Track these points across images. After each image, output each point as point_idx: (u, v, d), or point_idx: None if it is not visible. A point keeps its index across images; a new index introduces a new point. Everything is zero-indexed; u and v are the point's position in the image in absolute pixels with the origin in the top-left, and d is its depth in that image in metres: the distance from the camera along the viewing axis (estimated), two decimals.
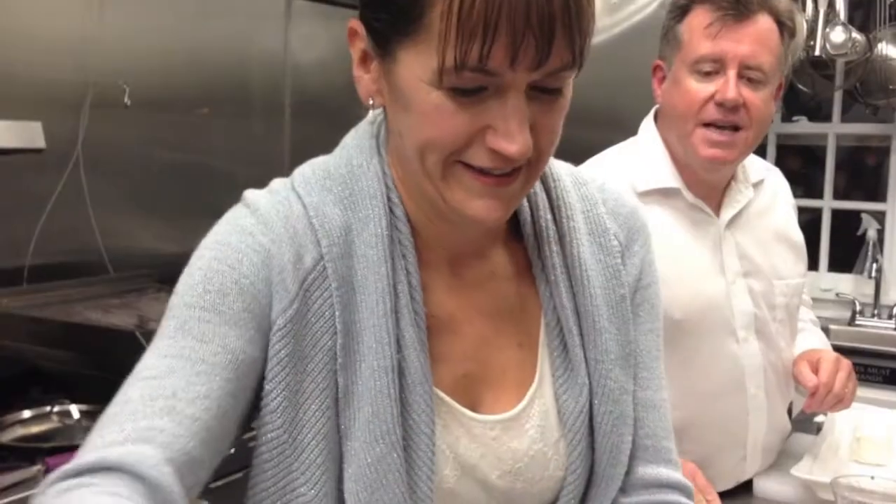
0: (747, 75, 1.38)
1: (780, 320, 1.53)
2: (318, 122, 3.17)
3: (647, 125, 1.55)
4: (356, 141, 0.84)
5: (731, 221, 1.50)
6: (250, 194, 0.83)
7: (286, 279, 0.76)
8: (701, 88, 1.39)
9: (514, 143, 0.70)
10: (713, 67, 1.38)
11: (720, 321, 1.46)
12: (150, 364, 0.72)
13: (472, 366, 0.82)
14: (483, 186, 0.73)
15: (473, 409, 0.81)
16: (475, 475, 0.80)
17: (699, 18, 1.39)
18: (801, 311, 1.67)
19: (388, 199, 0.80)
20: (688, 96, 1.40)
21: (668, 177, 1.47)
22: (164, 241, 2.57)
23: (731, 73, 1.37)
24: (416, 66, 0.70)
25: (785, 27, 1.41)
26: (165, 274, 2.50)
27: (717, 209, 1.50)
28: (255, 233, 0.78)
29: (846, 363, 1.53)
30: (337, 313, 0.76)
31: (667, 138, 1.50)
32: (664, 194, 1.47)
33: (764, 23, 1.39)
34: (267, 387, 0.74)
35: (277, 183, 0.84)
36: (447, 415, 0.80)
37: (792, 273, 1.56)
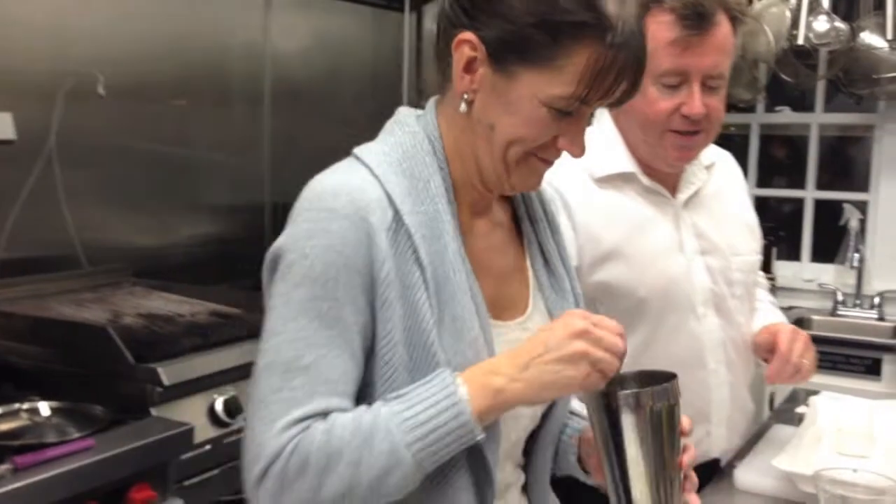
0: (709, 84, 1.46)
1: (738, 296, 1.59)
2: (298, 111, 3.13)
3: (602, 114, 1.59)
4: (404, 128, 1.04)
5: (688, 202, 1.58)
6: (326, 183, 0.98)
7: (379, 240, 0.95)
8: (666, 100, 1.45)
9: (580, 150, 1.00)
10: (677, 81, 1.44)
11: (681, 298, 1.52)
12: (295, 355, 0.92)
13: (492, 290, 1.05)
14: (542, 169, 1.02)
15: (499, 320, 1.05)
16: None
17: (662, 31, 1.42)
18: (759, 292, 1.73)
19: (438, 164, 1.02)
20: (654, 107, 1.46)
21: (625, 162, 1.55)
22: (140, 234, 2.54)
23: (696, 87, 1.44)
24: (536, 87, 0.94)
25: (738, 21, 1.47)
26: (141, 268, 2.47)
27: (673, 191, 1.57)
28: (349, 213, 0.94)
29: (803, 334, 1.56)
30: (420, 254, 0.96)
31: (624, 129, 1.56)
32: (622, 179, 1.54)
33: (723, 27, 1.45)
34: (381, 324, 0.95)
35: (344, 165, 1.02)
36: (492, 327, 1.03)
37: (747, 250, 1.63)
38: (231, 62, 2.85)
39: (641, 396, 0.98)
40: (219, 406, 1.86)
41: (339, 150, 3.35)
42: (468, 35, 0.96)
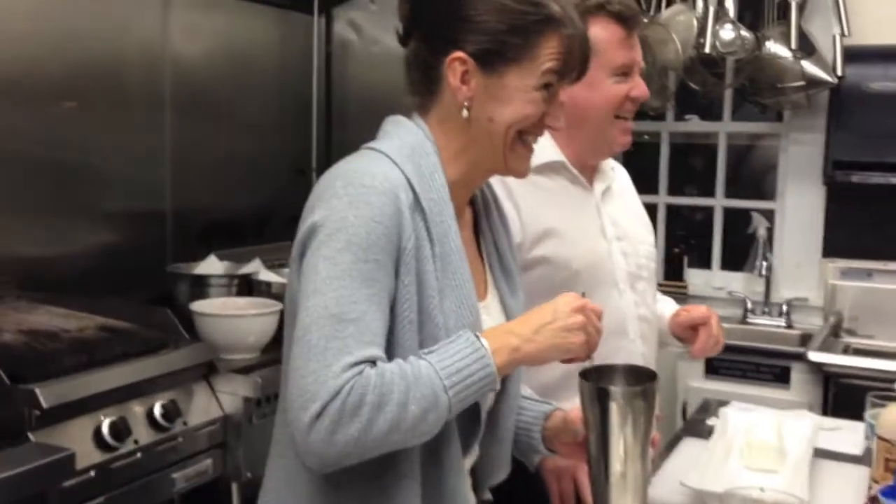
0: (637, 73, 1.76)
1: (646, 279, 1.82)
2: (201, 115, 3.00)
3: None
4: (405, 128, 1.23)
5: (603, 194, 1.80)
6: (358, 166, 1.16)
7: (406, 215, 1.13)
8: (621, 89, 1.71)
9: (561, 123, 1.24)
10: (626, 71, 1.71)
11: (606, 274, 1.74)
12: (345, 308, 1.08)
13: None
14: (529, 155, 1.25)
15: None
16: None
17: (610, 31, 1.68)
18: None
19: (438, 163, 1.21)
20: (610, 96, 1.70)
21: (555, 153, 1.74)
22: (25, 244, 2.37)
23: (637, 76, 1.73)
24: (523, 77, 1.18)
25: None
26: (27, 280, 2.32)
27: (590, 184, 1.80)
28: (385, 189, 1.12)
29: (714, 312, 1.78)
30: (432, 232, 1.16)
31: (564, 132, 1.65)
32: (552, 168, 1.74)
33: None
34: (401, 287, 1.13)
35: (363, 155, 1.20)
36: None
37: (647, 241, 1.87)
38: (127, 63, 2.70)
39: (631, 394, 1.20)
40: (105, 429, 1.74)
41: (247, 157, 3.21)
42: (458, 54, 1.18)
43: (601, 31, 1.66)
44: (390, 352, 1.13)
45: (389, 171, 1.15)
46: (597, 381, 1.23)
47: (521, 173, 1.28)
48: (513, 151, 1.23)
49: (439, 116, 1.23)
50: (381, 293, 1.11)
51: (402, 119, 1.25)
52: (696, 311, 1.79)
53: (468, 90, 1.19)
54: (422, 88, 1.24)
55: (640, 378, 1.26)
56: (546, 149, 1.71)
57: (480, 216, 1.35)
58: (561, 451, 1.38)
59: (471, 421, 1.22)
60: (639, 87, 1.72)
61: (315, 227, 1.12)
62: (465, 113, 1.20)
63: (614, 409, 1.19)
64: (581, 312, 1.17)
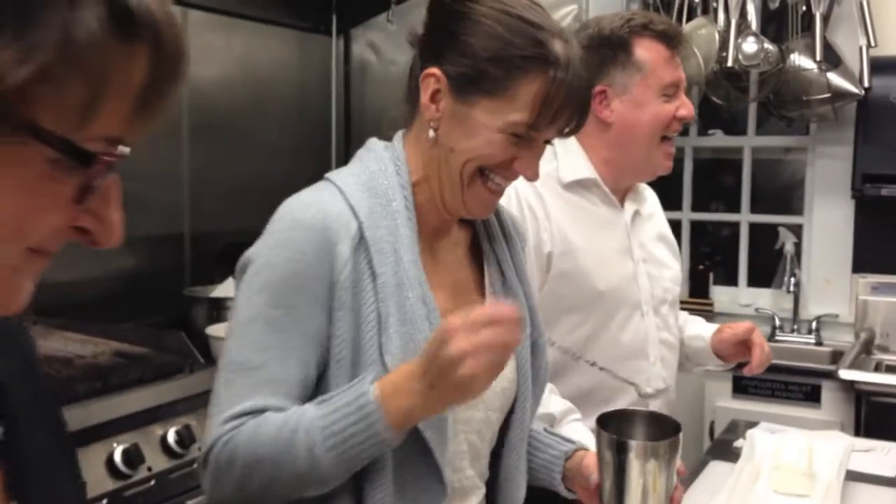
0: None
1: (670, 302, 1.81)
2: (219, 139, 3.00)
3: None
4: (373, 154, 1.17)
5: (633, 216, 1.79)
6: (299, 198, 1.12)
7: (342, 248, 1.07)
8: (669, 108, 1.70)
9: (533, 174, 1.14)
10: (674, 91, 1.70)
11: (630, 296, 1.73)
12: (245, 354, 1.05)
13: (446, 304, 1.14)
14: (491, 198, 1.15)
15: None
16: None
17: (656, 50, 1.68)
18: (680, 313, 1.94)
19: (403, 188, 1.14)
20: (660, 115, 1.69)
21: (588, 170, 1.73)
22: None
23: (683, 94, 1.72)
24: (492, 114, 1.08)
25: None
26: (45, 305, 2.30)
27: (621, 204, 1.78)
28: (314, 224, 1.07)
29: (755, 326, 1.78)
30: (374, 265, 1.08)
31: (595, 147, 1.73)
32: (584, 185, 1.73)
33: None
34: (335, 323, 1.06)
35: (316, 185, 1.15)
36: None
37: (673, 266, 1.85)
38: None
39: (652, 448, 1.12)
40: (118, 456, 1.72)
41: (265, 179, 3.20)
42: (434, 70, 1.11)
43: (646, 52, 1.67)
44: (322, 392, 1.08)
45: (329, 204, 1.10)
46: (616, 430, 1.15)
47: (476, 214, 1.19)
48: (470, 188, 1.13)
49: (416, 132, 1.17)
50: (298, 339, 1.06)
51: (374, 142, 1.20)
52: (740, 326, 1.77)
53: (436, 110, 1.12)
54: (409, 98, 1.18)
55: (663, 428, 1.17)
56: (579, 165, 1.73)
57: (481, 236, 1.27)
58: (578, 495, 1.30)
59: (430, 467, 1.11)
60: (686, 106, 1.71)
61: (247, 261, 1.10)
62: (430, 133, 1.12)
63: (633, 462, 1.11)
64: (457, 342, 0.97)
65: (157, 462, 1.80)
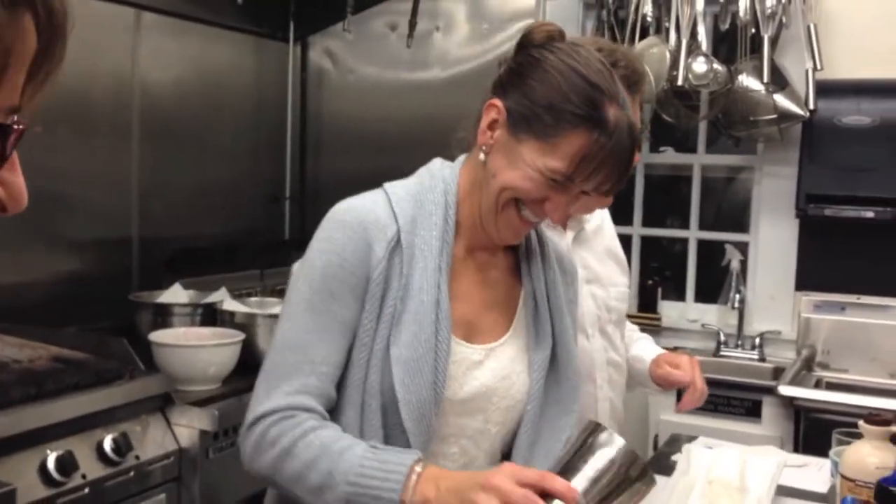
0: None
1: (615, 322, 1.81)
2: (172, 143, 2.98)
3: None
4: (429, 171, 1.30)
5: (576, 237, 1.79)
6: (349, 201, 1.25)
7: (378, 248, 1.20)
8: None
9: (559, 218, 1.24)
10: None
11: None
12: (292, 337, 1.19)
13: (468, 315, 1.27)
14: (521, 227, 1.25)
15: (466, 341, 1.26)
16: (467, 378, 1.25)
17: None
18: (628, 325, 1.95)
19: (447, 203, 1.25)
20: None
21: None
22: None
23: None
24: (535, 155, 1.18)
25: None
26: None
27: (564, 227, 1.77)
28: (353, 225, 1.20)
29: (695, 360, 1.79)
30: (403, 267, 1.20)
31: None
32: None
33: None
34: (365, 313, 1.19)
35: (373, 191, 1.28)
36: (452, 341, 1.23)
37: (620, 283, 1.85)
38: (95, 88, 2.68)
39: (629, 453, 1.09)
40: (51, 463, 1.69)
41: (218, 185, 3.17)
42: (497, 102, 1.21)
43: None
44: (345, 371, 1.20)
45: (372, 208, 1.23)
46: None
47: (502, 240, 1.28)
48: (502, 214, 1.22)
49: (473, 154, 1.28)
50: (332, 322, 1.18)
51: (435, 161, 1.32)
52: (678, 369, 1.77)
53: (490, 137, 1.22)
54: (476, 123, 1.26)
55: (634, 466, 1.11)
56: None
57: (522, 263, 1.36)
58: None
59: None
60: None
61: (302, 257, 1.25)
62: (482, 156, 1.23)
63: (602, 453, 1.08)
64: (489, 492, 1.03)
65: (91, 470, 1.78)
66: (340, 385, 1.21)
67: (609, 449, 1.09)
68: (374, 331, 1.20)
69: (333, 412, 1.21)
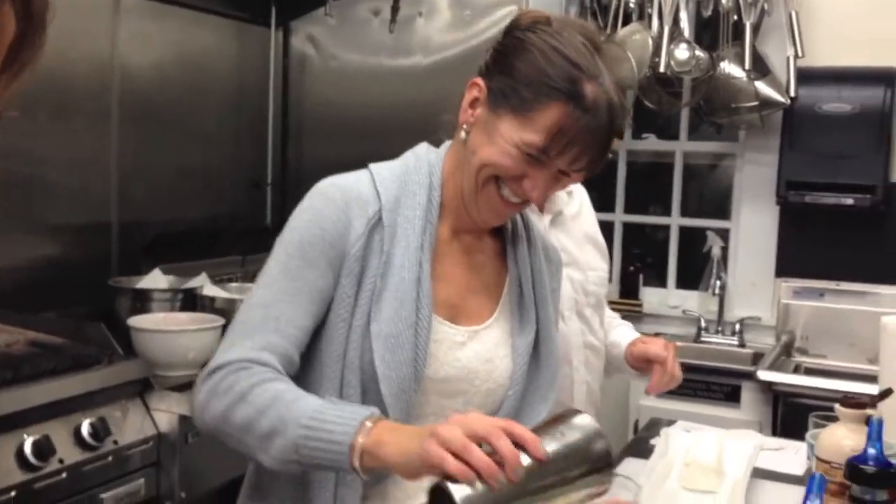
0: None
1: (593, 305, 1.82)
2: (151, 127, 2.95)
3: None
4: (415, 153, 1.31)
5: (553, 220, 1.79)
6: (333, 178, 1.26)
7: (357, 224, 1.21)
8: None
9: (538, 196, 1.22)
10: None
11: None
12: (262, 295, 1.20)
13: (452, 297, 1.28)
14: (501, 207, 1.24)
15: (450, 321, 1.27)
16: (449, 358, 1.25)
17: None
18: (608, 312, 1.94)
19: (431, 184, 1.26)
20: None
21: None
22: None
23: None
24: (511, 129, 1.18)
25: None
26: None
27: (542, 210, 1.78)
28: (336, 199, 1.22)
29: (672, 345, 1.73)
30: (384, 245, 1.21)
31: None
32: None
33: None
34: (341, 288, 1.20)
35: (359, 171, 1.29)
36: (434, 320, 1.24)
37: (599, 268, 1.86)
38: (73, 72, 2.65)
39: (598, 434, 1.02)
40: (28, 448, 1.68)
41: (198, 170, 3.15)
42: (479, 80, 1.23)
43: None
44: (319, 346, 1.21)
45: (356, 185, 1.24)
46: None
47: (484, 221, 1.28)
48: (483, 193, 1.23)
49: (457, 139, 1.29)
50: (304, 287, 1.19)
51: (421, 145, 1.33)
52: (653, 345, 1.73)
53: (471, 115, 1.24)
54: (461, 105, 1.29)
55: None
56: None
57: (509, 246, 1.36)
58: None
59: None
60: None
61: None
62: (462, 135, 1.25)
63: (570, 431, 1.02)
64: (461, 434, 0.96)
65: (69, 454, 1.77)
66: (319, 361, 1.21)
67: (580, 424, 1.03)
68: (354, 306, 1.20)
69: (311, 388, 1.19)
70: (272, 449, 1.08)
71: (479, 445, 0.96)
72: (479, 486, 0.94)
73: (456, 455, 0.94)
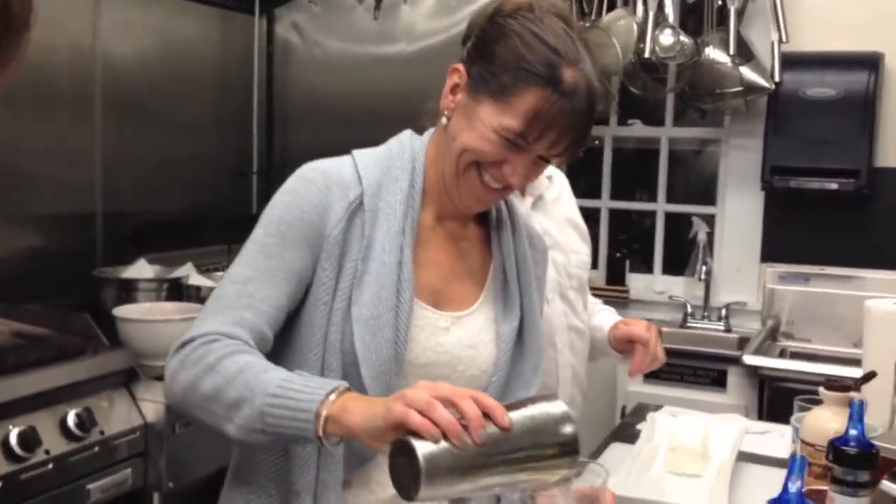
0: None
1: (576, 288, 1.83)
2: (135, 117, 2.94)
3: None
4: (398, 140, 1.31)
5: (534, 204, 1.81)
6: (314, 162, 1.26)
7: (337, 207, 1.21)
8: None
9: (517, 181, 1.22)
10: None
11: None
12: (238, 272, 1.19)
13: (436, 283, 1.28)
14: (483, 193, 1.24)
15: (433, 307, 1.27)
16: (431, 343, 1.25)
17: None
18: (591, 298, 1.95)
19: (414, 169, 1.26)
20: None
21: None
22: None
23: None
24: (490, 114, 1.18)
25: None
26: None
27: (523, 194, 1.79)
28: (317, 181, 1.22)
29: (655, 326, 1.72)
30: (364, 229, 1.21)
31: None
32: None
33: None
34: (320, 272, 1.20)
35: (342, 156, 1.29)
36: (416, 304, 1.24)
37: (581, 251, 1.87)
38: (55, 61, 2.64)
39: (566, 417, 1.00)
40: (13, 438, 1.68)
41: (183, 159, 3.14)
42: (460, 66, 1.24)
43: None
44: (299, 329, 1.21)
45: (337, 170, 1.24)
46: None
47: (466, 207, 1.28)
48: (464, 178, 1.23)
49: (440, 126, 1.29)
50: (281, 266, 1.19)
51: (407, 131, 1.33)
52: (636, 326, 1.72)
53: (452, 101, 1.24)
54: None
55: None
56: None
57: (493, 233, 1.36)
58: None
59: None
60: None
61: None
62: (444, 121, 1.25)
63: (540, 407, 1.00)
64: (427, 395, 0.95)
65: (55, 445, 1.76)
66: (300, 344, 1.21)
67: (549, 406, 1.01)
68: (335, 290, 1.20)
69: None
70: (237, 417, 1.07)
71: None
72: (442, 443, 0.92)
73: (421, 413, 0.94)
